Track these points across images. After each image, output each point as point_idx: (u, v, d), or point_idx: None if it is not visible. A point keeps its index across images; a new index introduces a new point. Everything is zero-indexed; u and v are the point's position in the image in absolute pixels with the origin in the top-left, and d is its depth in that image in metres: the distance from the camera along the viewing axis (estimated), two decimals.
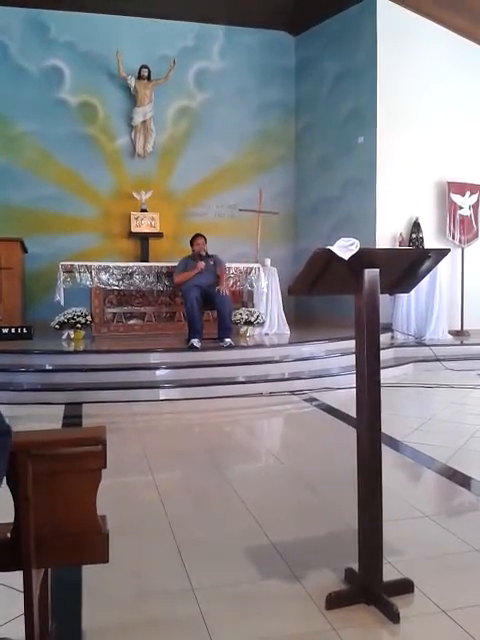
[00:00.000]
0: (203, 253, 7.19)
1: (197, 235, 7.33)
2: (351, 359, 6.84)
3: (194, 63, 9.97)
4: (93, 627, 2.03)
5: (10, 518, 1.55)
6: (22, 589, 1.53)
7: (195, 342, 6.55)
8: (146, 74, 9.50)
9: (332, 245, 2.07)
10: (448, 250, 2.35)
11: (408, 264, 2.25)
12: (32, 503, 1.51)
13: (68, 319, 7.14)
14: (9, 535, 1.55)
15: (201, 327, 6.75)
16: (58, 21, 9.32)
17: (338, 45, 9.59)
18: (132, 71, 9.47)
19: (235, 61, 10.11)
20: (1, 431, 1.22)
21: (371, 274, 2.13)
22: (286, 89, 10.50)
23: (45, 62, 9.34)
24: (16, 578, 1.55)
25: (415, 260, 2.25)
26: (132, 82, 9.48)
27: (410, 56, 8.93)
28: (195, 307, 6.74)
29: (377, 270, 2.14)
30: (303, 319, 9.56)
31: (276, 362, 6.48)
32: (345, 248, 2.03)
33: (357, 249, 2.04)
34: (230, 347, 6.64)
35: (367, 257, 2.13)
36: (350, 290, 2.19)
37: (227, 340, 6.76)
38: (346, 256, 2.03)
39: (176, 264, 8.04)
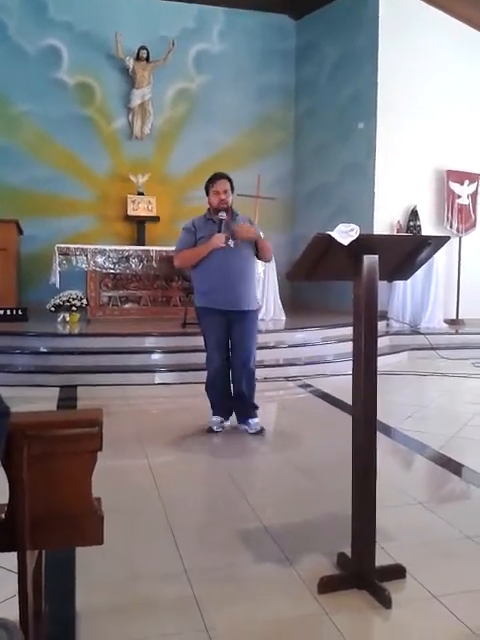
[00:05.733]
0: (222, 213, 4.13)
1: (217, 176, 4.25)
2: (346, 346, 6.82)
3: (193, 45, 9.85)
4: (86, 608, 2.04)
5: (4, 499, 1.55)
6: (16, 570, 1.53)
7: (215, 425, 4.21)
8: (145, 55, 9.39)
9: (331, 231, 2.06)
10: (448, 238, 2.35)
11: (407, 251, 2.25)
12: (27, 484, 1.51)
13: (63, 302, 7.12)
14: (4, 516, 1.55)
15: (225, 405, 4.30)
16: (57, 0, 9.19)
17: (339, 30, 9.49)
18: (131, 52, 9.36)
19: (235, 44, 10.00)
20: (0, 412, 1.20)
21: (370, 260, 2.12)
22: (286, 73, 10.40)
23: (43, 42, 9.21)
24: (10, 559, 1.55)
25: (415, 247, 2.24)
26: (130, 63, 9.37)
27: (411, 42, 8.84)
28: (216, 380, 4.23)
29: (376, 256, 2.13)
30: (299, 305, 9.54)
31: (271, 348, 6.48)
32: (345, 234, 2.02)
33: (357, 235, 2.03)
34: (260, 433, 4.16)
35: (367, 243, 2.12)
36: (349, 276, 2.18)
37: (254, 422, 4.21)
38: (346, 242, 2.02)
39: (172, 248, 7.98)
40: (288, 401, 5.50)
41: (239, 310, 4.07)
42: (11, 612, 1.55)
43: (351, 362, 2.21)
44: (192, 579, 2.22)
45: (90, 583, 2.20)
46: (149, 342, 6.31)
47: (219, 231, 4.04)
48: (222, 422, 4.25)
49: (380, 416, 2.29)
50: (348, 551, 2.24)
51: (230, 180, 4.23)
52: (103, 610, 2.04)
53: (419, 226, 8.91)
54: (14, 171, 8.98)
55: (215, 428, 4.20)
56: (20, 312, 7.28)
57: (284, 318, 8.01)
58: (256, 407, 4.24)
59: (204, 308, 4.15)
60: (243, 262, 4.11)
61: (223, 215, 4.09)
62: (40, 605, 1.78)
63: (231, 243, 4.04)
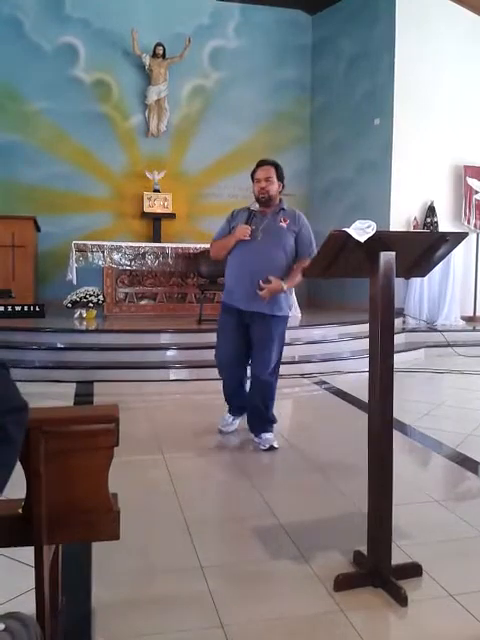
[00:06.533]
0: (261, 200, 3.72)
1: (260, 163, 3.78)
2: (362, 343, 6.77)
3: (209, 41, 9.83)
4: (102, 603, 2.05)
5: (22, 494, 1.56)
6: (33, 564, 1.55)
7: (225, 425, 4.11)
8: (161, 52, 9.40)
9: (347, 227, 2.05)
10: (466, 234, 2.32)
11: (425, 248, 2.23)
12: (44, 479, 1.52)
13: (80, 298, 7.16)
14: (21, 511, 1.56)
15: (239, 403, 4.05)
16: None
17: (355, 25, 9.43)
18: (147, 49, 9.38)
19: (251, 40, 9.97)
20: (19, 406, 1.22)
21: (387, 257, 2.11)
22: (302, 69, 10.36)
23: (59, 39, 9.24)
24: (28, 553, 1.57)
25: (432, 244, 2.22)
26: (147, 60, 9.38)
27: (428, 37, 8.76)
28: (229, 383, 4.06)
29: (393, 253, 2.11)
30: (315, 302, 9.52)
31: (286, 344, 6.42)
32: (361, 230, 2.01)
33: (374, 232, 2.02)
34: (271, 449, 3.75)
35: (383, 240, 2.10)
36: (365, 273, 2.17)
37: (266, 437, 3.81)
38: (362, 239, 2.01)
39: (188, 245, 8.01)
40: (303, 398, 5.49)
41: (255, 311, 3.69)
42: (28, 606, 1.56)
43: (367, 359, 2.20)
44: (208, 575, 2.22)
45: (106, 578, 2.21)
46: (164, 339, 6.33)
47: (246, 222, 3.67)
48: (233, 420, 4.13)
49: (396, 413, 2.27)
50: (364, 549, 2.23)
51: (276, 167, 3.73)
52: (118, 605, 2.05)
53: (436, 222, 8.84)
54: (31, 168, 9.04)
55: (225, 428, 4.11)
56: (37, 308, 7.34)
57: (300, 315, 7.99)
58: (272, 421, 3.87)
59: (223, 303, 3.92)
60: (268, 260, 3.64)
61: (255, 205, 3.73)
62: (56, 599, 1.79)
63: (259, 237, 3.66)
